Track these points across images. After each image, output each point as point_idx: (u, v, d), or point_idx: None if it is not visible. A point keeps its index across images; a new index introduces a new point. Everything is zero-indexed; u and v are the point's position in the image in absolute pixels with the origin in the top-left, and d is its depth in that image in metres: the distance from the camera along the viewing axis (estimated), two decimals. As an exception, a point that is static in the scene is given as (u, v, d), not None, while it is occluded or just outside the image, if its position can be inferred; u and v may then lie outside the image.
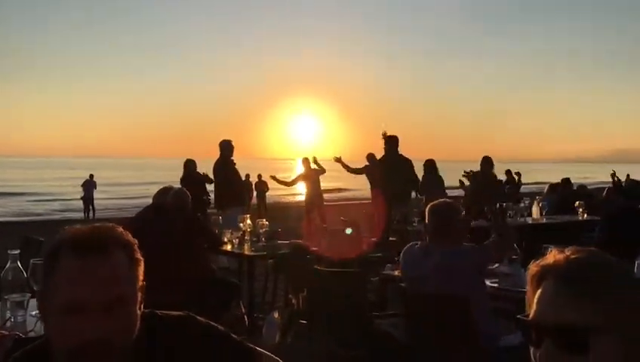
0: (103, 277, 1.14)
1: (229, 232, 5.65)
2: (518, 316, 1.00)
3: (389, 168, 8.40)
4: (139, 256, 1.23)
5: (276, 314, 5.23)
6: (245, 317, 5.29)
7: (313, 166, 11.61)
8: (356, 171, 10.36)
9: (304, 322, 5.36)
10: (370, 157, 11.56)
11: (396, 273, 4.33)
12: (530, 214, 8.03)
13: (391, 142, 8.56)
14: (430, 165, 9.39)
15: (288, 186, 12.40)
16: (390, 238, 7.53)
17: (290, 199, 28.75)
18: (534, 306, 0.97)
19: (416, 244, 3.35)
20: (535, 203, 8.21)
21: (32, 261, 2.51)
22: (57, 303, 1.13)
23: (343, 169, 10.34)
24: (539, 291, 0.97)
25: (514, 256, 3.82)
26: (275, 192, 23.91)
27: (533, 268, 1.01)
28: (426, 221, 3.34)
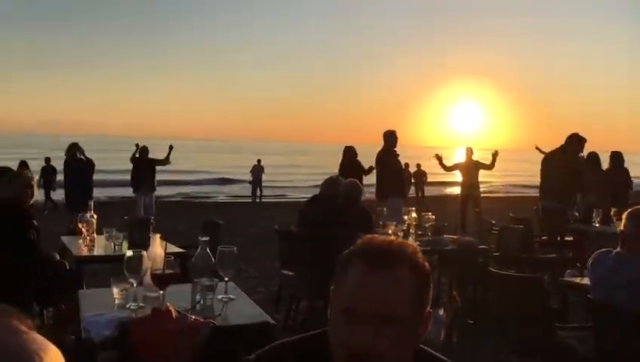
0: (382, 293, 1.13)
1: (392, 225, 5.59)
2: None
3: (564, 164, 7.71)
4: (428, 281, 1.20)
5: (441, 311, 5.09)
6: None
7: (475, 158, 11.30)
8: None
9: (471, 322, 5.16)
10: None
11: (578, 280, 3.97)
12: None
13: (570, 138, 7.78)
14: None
15: (446, 171, 12.02)
16: (566, 238, 6.98)
17: (447, 189, 28.12)
18: None
19: (610, 252, 3.01)
20: None
21: (219, 248, 2.65)
22: (338, 306, 1.16)
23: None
24: None
25: None
26: (433, 178, 23.40)
27: None
28: (623, 226, 2.98)
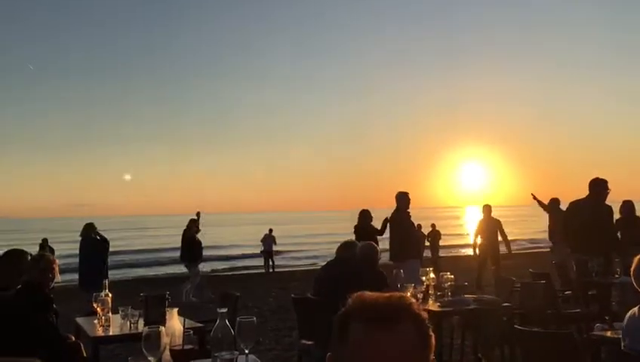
0: (393, 350, 1.10)
1: (411, 286, 5.48)
2: None
3: (587, 214, 7.42)
4: (430, 331, 1.18)
5: (468, 375, 4.91)
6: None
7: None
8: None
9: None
10: (553, 202, 10.85)
11: (609, 334, 3.84)
12: None
13: (593, 186, 7.38)
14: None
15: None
16: (589, 292, 6.80)
17: (460, 251, 27.83)
18: None
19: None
20: None
21: (238, 319, 2.59)
22: None
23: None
24: None
25: None
26: (445, 241, 23.28)
27: None
28: (632, 276, 2.92)
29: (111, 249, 10.51)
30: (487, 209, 11.45)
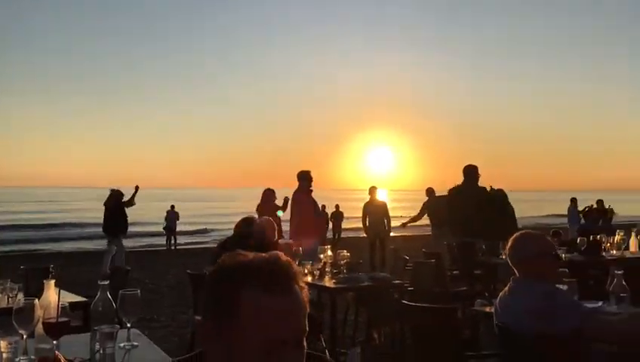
0: (296, 315, 1.14)
1: (309, 264, 5.55)
2: None
3: (467, 199, 8.00)
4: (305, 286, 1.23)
5: (358, 349, 5.06)
6: (326, 351, 5.14)
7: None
8: (417, 217, 12.07)
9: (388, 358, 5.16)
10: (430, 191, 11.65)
11: (487, 309, 4.08)
12: (627, 248, 7.47)
13: (467, 172, 8.12)
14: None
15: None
16: (475, 271, 7.20)
17: (361, 233, 28.49)
18: None
19: (510, 281, 3.13)
20: (633, 235, 7.62)
21: (120, 291, 2.50)
22: (255, 340, 1.11)
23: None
24: None
25: (622, 294, 3.49)
26: (350, 225, 23.81)
27: None
28: (508, 255, 3.13)
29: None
30: (373, 191, 11.70)
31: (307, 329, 1.17)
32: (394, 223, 12.38)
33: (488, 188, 8.16)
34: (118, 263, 11.76)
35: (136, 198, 11.89)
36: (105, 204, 11.79)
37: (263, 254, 1.20)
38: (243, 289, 1.13)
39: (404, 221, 13.41)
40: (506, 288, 3.07)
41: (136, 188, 11.83)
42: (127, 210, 11.80)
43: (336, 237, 20.73)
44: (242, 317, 1.11)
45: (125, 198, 11.89)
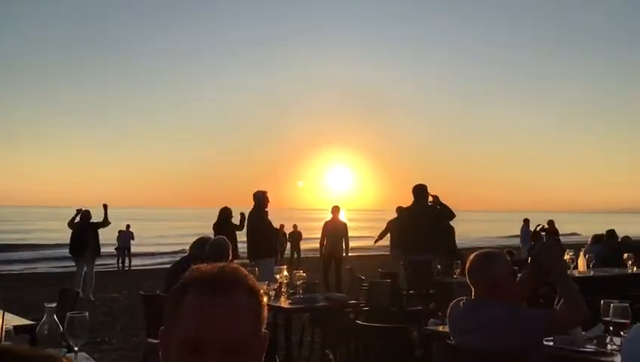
0: (225, 319, 1.11)
1: (265, 284, 5.52)
2: None
3: (417, 217, 8.07)
4: (264, 303, 1.20)
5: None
6: (282, 372, 5.10)
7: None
8: (384, 233, 12.01)
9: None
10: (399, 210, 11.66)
11: (441, 328, 4.13)
12: (576, 267, 7.69)
13: (416, 191, 8.16)
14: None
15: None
16: (430, 291, 7.29)
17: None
18: None
19: (462, 300, 3.16)
20: (581, 255, 7.86)
21: (68, 314, 2.43)
22: (178, 339, 1.11)
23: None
24: None
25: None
26: (308, 245, 23.73)
27: None
28: (467, 273, 3.16)
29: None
30: (336, 210, 11.53)
31: (252, 342, 1.13)
32: (352, 244, 12.36)
33: (430, 199, 8.20)
34: (89, 285, 11.46)
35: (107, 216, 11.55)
36: (69, 225, 11.46)
37: (218, 263, 1.21)
38: (186, 294, 1.14)
39: (374, 239, 13.22)
40: (462, 306, 3.10)
41: (105, 206, 11.50)
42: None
43: (295, 257, 20.65)
44: (182, 315, 1.12)
45: (94, 219, 11.60)
